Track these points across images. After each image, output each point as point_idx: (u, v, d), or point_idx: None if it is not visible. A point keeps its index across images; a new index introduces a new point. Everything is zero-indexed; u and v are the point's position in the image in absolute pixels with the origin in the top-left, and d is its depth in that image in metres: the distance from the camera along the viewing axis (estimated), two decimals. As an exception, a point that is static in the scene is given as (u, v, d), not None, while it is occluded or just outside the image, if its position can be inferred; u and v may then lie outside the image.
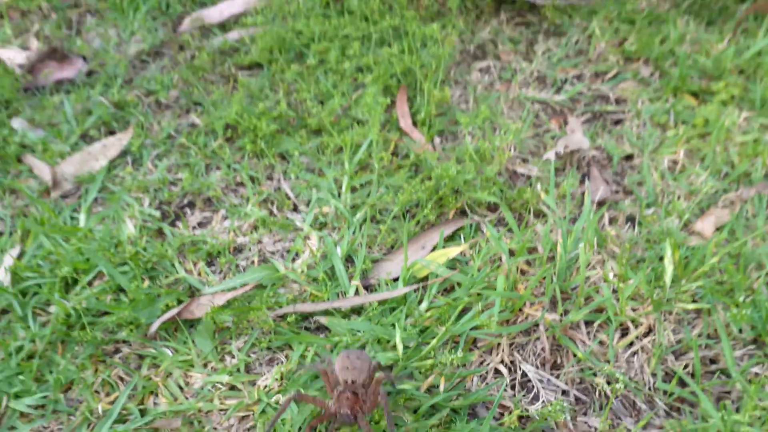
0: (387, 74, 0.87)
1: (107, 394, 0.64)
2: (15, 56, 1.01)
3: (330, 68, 0.91)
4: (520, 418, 0.59)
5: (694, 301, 0.64)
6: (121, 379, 0.65)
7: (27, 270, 0.73)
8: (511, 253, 0.69)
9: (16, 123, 0.92)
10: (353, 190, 0.78)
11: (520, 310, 0.65)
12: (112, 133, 0.90)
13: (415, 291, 0.68)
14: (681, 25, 0.93)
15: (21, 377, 0.65)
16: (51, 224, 0.78)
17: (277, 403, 0.61)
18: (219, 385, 0.63)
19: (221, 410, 0.61)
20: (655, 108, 0.83)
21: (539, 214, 0.74)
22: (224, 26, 1.05)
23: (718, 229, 0.70)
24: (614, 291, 0.65)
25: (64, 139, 0.89)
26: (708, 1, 0.97)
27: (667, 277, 0.64)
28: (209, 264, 0.74)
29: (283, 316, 0.67)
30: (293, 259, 0.73)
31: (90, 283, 0.72)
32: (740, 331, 0.62)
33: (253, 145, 0.83)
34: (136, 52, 1.03)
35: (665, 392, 0.59)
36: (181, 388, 0.63)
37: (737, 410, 0.58)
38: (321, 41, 0.93)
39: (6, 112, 0.94)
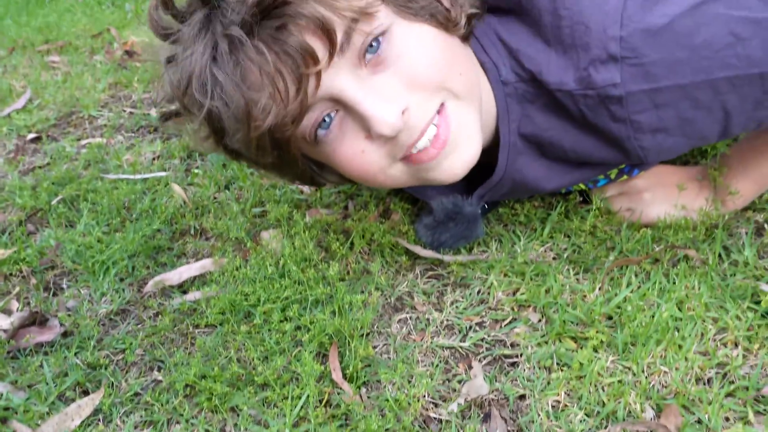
0: (321, 333, 1.04)
1: None
2: (0, 323, 1.16)
3: (273, 327, 1.08)
4: None
5: None
6: None
7: None
8: (425, 494, 0.84)
9: (1, 387, 1.06)
10: (293, 440, 0.93)
11: None
12: (85, 392, 1.05)
13: None
14: (562, 278, 1.14)
15: None
16: (32, 486, 0.90)
17: None
18: None
19: None
20: (542, 352, 1.02)
21: (448, 456, 0.89)
22: (183, 286, 1.23)
23: (591, 463, 0.86)
24: None
25: (44, 401, 1.03)
26: (584, 251, 1.18)
27: None
28: None
29: None
30: None
31: None
32: None
33: (209, 402, 0.98)
34: (106, 312, 1.20)
35: None
36: None
37: None
38: (266, 303, 1.11)
39: (-8, 378, 1.08)
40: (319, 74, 0.87)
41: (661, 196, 1.23)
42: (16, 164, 1.73)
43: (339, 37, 0.86)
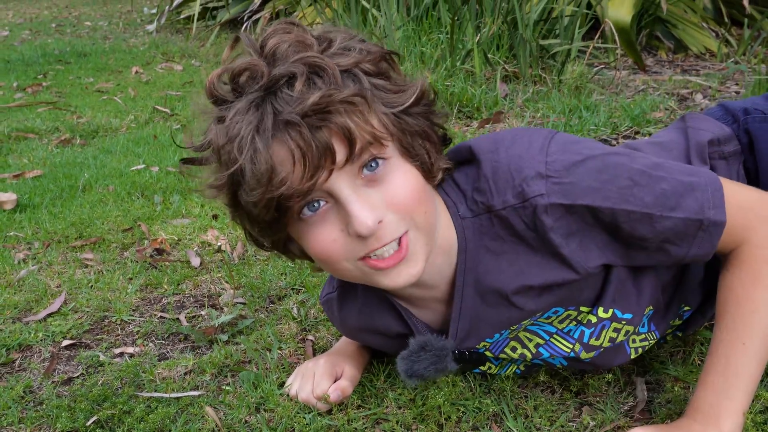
0: None
1: None
2: None
3: None
4: None
5: None
6: None
7: None
8: None
9: None
10: None
11: None
12: None
13: None
14: None
15: None
16: None
17: None
18: None
19: None
20: None
21: None
22: None
23: None
24: None
25: None
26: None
27: None
28: None
29: None
30: None
31: None
32: None
33: None
34: None
35: None
36: None
37: None
38: None
39: None
40: (331, 171, 1.11)
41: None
42: (51, 375, 1.79)
43: (356, 149, 1.11)
